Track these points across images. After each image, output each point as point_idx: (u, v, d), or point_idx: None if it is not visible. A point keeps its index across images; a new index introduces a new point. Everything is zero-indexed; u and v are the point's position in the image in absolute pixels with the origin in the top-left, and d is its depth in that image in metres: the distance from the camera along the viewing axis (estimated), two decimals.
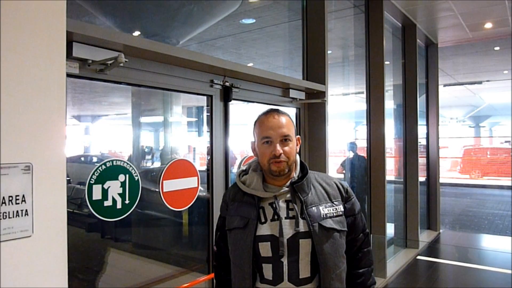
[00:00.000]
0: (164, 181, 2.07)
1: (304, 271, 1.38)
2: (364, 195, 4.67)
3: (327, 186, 1.49)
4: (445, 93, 12.58)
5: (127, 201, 1.85)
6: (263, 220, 1.41)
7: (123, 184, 1.84)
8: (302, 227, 1.38)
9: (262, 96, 2.86)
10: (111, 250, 2.20)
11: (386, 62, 4.77)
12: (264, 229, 1.40)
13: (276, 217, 1.40)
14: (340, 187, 1.52)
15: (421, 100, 6.49)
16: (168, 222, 2.50)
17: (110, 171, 1.79)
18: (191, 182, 2.23)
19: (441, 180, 7.21)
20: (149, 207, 2.25)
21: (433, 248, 6.02)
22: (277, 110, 1.49)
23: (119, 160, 1.83)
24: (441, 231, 6.92)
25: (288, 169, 1.42)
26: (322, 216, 1.40)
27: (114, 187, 1.79)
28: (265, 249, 1.38)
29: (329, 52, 3.56)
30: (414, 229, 5.81)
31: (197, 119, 2.85)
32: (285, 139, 1.42)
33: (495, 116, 22.44)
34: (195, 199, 2.26)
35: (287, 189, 1.44)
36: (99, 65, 1.71)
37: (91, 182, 1.71)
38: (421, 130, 6.48)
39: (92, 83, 1.86)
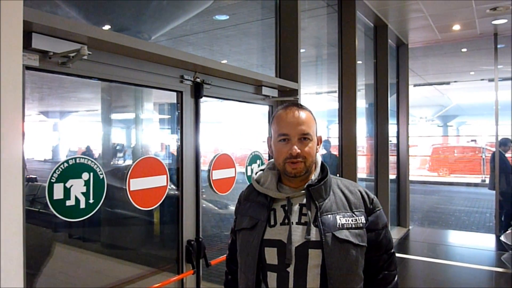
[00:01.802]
0: (131, 180, 2.01)
1: (313, 284, 1.23)
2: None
3: (349, 194, 1.35)
4: (415, 93, 12.90)
5: (91, 201, 1.78)
6: (272, 223, 1.30)
7: (87, 183, 1.76)
8: (314, 236, 1.24)
9: (234, 93, 2.83)
10: (79, 251, 2.12)
11: (358, 62, 4.83)
12: (272, 233, 1.28)
13: (286, 221, 1.28)
14: (365, 196, 1.37)
15: (392, 100, 6.63)
16: (138, 221, 2.43)
17: (73, 169, 1.71)
18: (159, 181, 2.17)
19: (411, 178, 7.39)
20: (118, 206, 2.18)
21: (403, 245, 6.16)
22: (297, 105, 1.36)
23: (83, 158, 1.76)
24: (410, 227, 7.09)
25: (306, 171, 1.30)
26: (337, 225, 1.26)
27: (77, 186, 1.72)
28: (271, 255, 1.27)
29: (302, 50, 3.57)
30: None
31: (169, 116, 2.80)
32: (304, 138, 1.30)
33: (462, 116, 23.24)
34: (164, 198, 2.20)
35: (302, 192, 1.32)
36: (60, 58, 1.63)
37: (52, 180, 1.63)
38: (392, 129, 6.61)
39: (60, 78, 1.78)
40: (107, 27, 2.48)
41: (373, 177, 6.09)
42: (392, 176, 6.72)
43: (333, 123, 4.96)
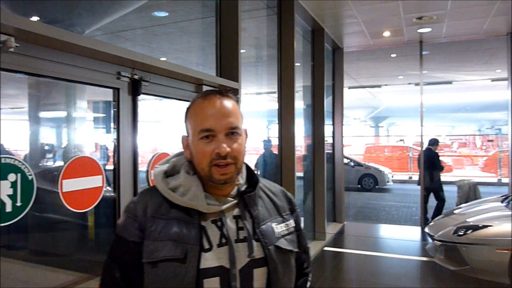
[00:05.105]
0: (63, 181, 1.90)
1: None
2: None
3: (274, 196, 1.17)
4: (349, 95, 13.53)
5: (18, 204, 1.66)
6: (206, 246, 1.01)
7: (13, 185, 1.64)
8: (256, 252, 1.04)
9: (174, 92, 2.79)
10: (3, 260, 1.96)
11: (297, 64, 4.97)
12: (209, 259, 1.00)
13: (223, 240, 1.03)
14: (287, 196, 1.22)
15: (328, 101, 6.90)
16: (71, 225, 2.31)
17: None
18: (94, 181, 2.08)
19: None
20: (49, 210, 2.06)
21: (338, 239, 6.44)
22: (220, 92, 1.08)
23: (9, 158, 1.64)
24: (345, 223, 7.44)
25: (237, 173, 1.07)
26: (276, 234, 1.09)
27: (2, 188, 1.59)
28: (211, 287, 1.00)
29: (243, 51, 3.60)
30: (321, 222, 6.16)
31: (104, 114, 2.69)
32: (232, 133, 1.04)
33: (392, 117, 24.74)
34: (99, 200, 2.11)
35: (235, 201, 1.08)
36: None
37: None
38: (328, 129, 6.88)
39: None
40: (35, 18, 2.33)
41: (310, 176, 6.30)
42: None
43: (273, 123, 5.06)
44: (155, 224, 1.03)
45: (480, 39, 6.96)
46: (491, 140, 20.71)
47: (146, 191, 1.12)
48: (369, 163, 13.93)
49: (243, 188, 1.12)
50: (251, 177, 1.16)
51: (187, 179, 1.07)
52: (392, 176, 13.58)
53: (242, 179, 1.13)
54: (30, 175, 1.72)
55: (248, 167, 1.17)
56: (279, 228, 1.11)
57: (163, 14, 3.80)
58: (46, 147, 2.34)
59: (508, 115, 6.76)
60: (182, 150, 1.16)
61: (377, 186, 13.04)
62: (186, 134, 1.11)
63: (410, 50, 7.55)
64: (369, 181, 13.15)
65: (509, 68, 6.67)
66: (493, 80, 11.39)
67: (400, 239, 6.52)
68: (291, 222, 1.16)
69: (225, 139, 1.03)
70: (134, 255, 1.03)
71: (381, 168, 13.60)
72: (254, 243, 1.05)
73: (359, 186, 13.17)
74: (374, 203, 10.38)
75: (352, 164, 13.40)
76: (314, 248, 5.67)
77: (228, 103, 1.06)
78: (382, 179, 13.10)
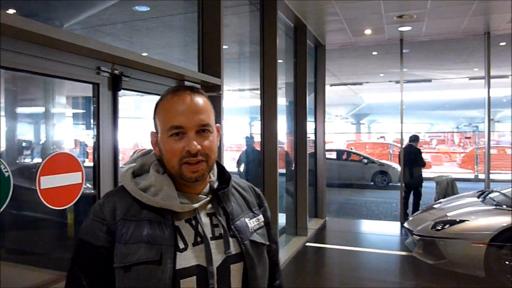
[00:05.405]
0: (41, 177, 1.86)
1: None
2: (258, 188, 4.85)
3: (244, 192, 1.19)
4: (331, 92, 13.63)
5: None
6: (182, 246, 1.00)
7: None
8: (232, 248, 1.04)
9: (155, 87, 2.76)
10: None
11: (279, 61, 4.98)
12: (185, 259, 0.99)
13: (199, 239, 1.02)
14: (256, 191, 1.25)
15: (310, 98, 6.94)
16: (50, 223, 2.27)
17: None
18: (74, 178, 2.04)
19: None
20: (26, 207, 2.02)
21: (320, 235, 6.51)
22: (190, 88, 1.07)
23: None
24: (326, 218, 7.52)
25: (208, 171, 1.05)
26: (250, 229, 1.11)
27: None
28: (188, 287, 0.99)
29: (225, 47, 3.59)
30: (303, 218, 6.21)
31: (84, 110, 2.65)
32: (203, 130, 1.02)
33: (373, 115, 25.04)
34: (79, 197, 2.08)
35: (207, 198, 1.07)
36: None
37: None
38: (310, 126, 6.93)
39: None
40: (11, 11, 2.27)
41: (293, 172, 6.33)
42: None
43: (256, 120, 5.07)
44: (125, 227, 0.99)
45: (459, 38, 7.11)
46: (469, 137, 21.20)
47: (113, 192, 1.08)
48: (382, 160, 13.71)
49: (215, 185, 1.11)
50: (223, 174, 1.16)
51: (158, 178, 1.04)
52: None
53: (213, 176, 1.13)
54: (6, 172, 1.68)
55: (219, 164, 1.17)
56: (251, 223, 1.13)
57: (144, 8, 3.75)
58: (24, 144, 2.29)
59: (484, 112, 6.95)
60: (150, 149, 1.14)
61: (390, 184, 12.78)
62: (155, 131, 1.08)
63: (391, 48, 7.65)
64: (382, 178, 12.88)
65: (486, 67, 6.84)
66: (470, 78, 11.64)
67: (380, 234, 6.64)
68: (261, 217, 1.19)
69: (196, 137, 1.01)
70: (103, 261, 0.99)
71: (394, 165, 13.23)
72: (230, 239, 1.05)
73: (372, 183, 12.94)
74: (355, 199, 10.52)
75: (365, 161, 13.22)
76: (296, 243, 5.72)
77: (199, 99, 1.04)
78: (395, 176, 12.71)
